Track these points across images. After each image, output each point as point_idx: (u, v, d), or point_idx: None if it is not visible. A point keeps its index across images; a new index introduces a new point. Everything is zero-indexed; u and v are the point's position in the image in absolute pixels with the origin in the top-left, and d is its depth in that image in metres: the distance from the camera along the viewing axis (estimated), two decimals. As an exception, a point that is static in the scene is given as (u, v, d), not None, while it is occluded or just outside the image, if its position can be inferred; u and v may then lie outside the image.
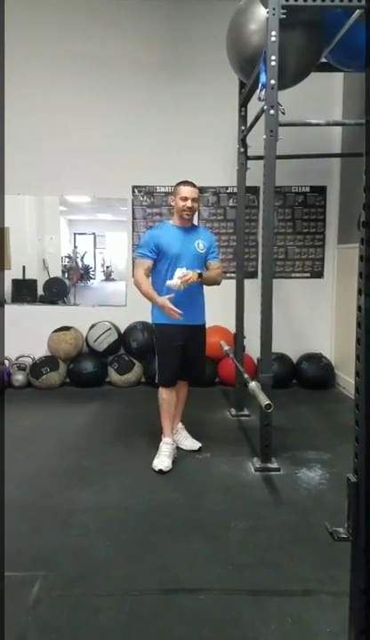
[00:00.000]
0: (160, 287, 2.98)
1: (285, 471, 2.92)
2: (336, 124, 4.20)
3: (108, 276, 6.02)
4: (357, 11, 2.89)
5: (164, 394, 3.07)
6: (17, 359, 4.91)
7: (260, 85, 2.89)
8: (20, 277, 5.15)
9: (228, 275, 4.80)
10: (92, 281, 5.92)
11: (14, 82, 4.71)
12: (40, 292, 5.21)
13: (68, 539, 2.24)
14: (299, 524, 2.36)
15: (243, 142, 3.90)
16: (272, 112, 2.83)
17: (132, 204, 5.00)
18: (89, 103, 4.85)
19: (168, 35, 4.83)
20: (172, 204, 3.09)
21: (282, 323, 4.35)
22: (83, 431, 3.65)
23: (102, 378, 4.87)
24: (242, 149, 3.92)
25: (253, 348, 3.63)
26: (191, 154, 4.83)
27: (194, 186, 3.04)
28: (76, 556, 2.11)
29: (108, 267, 6.05)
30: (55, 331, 4.88)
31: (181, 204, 2.99)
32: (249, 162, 3.92)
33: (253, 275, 4.81)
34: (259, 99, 2.95)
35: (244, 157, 3.93)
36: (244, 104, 3.88)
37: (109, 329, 4.85)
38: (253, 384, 2.83)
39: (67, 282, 5.36)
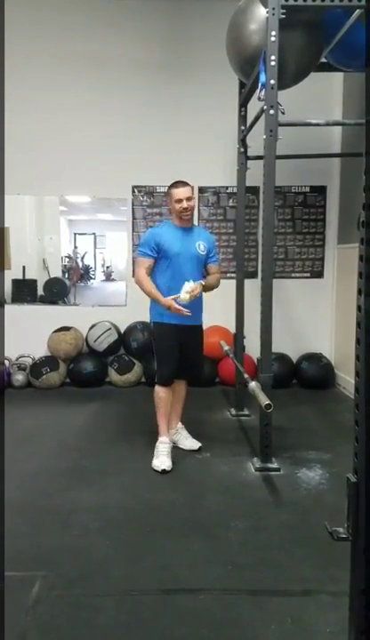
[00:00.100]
0: (160, 287, 2.99)
1: (285, 471, 2.92)
2: (336, 123, 4.20)
3: (109, 276, 6.02)
4: (357, 11, 2.89)
5: (162, 392, 3.08)
6: (17, 359, 4.91)
7: (259, 85, 2.89)
8: (20, 277, 5.15)
9: (228, 275, 4.81)
10: (92, 281, 5.92)
11: (14, 82, 4.72)
12: (40, 292, 5.21)
13: (68, 539, 2.24)
14: (299, 524, 2.36)
15: (243, 142, 3.90)
16: (272, 112, 2.83)
17: (132, 204, 5.00)
18: (89, 103, 4.85)
19: (168, 35, 4.83)
20: (169, 207, 3.10)
21: (282, 323, 4.35)
22: (83, 431, 3.65)
23: (102, 378, 4.87)
24: (242, 149, 3.92)
25: (253, 347, 3.63)
26: (191, 154, 4.83)
27: (186, 184, 3.03)
28: (76, 556, 2.11)
29: (108, 267, 6.05)
30: (55, 331, 4.88)
31: (177, 206, 3.00)
32: (249, 162, 3.92)
33: (253, 275, 4.81)
34: (259, 99, 2.95)
35: (244, 157, 3.93)
36: (244, 104, 3.88)
37: (109, 329, 4.85)
38: (253, 384, 2.83)
39: (67, 282, 5.36)
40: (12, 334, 4.84)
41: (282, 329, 4.27)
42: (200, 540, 2.23)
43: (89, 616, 1.76)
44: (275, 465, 2.95)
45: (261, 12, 2.95)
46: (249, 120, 3.73)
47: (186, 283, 2.90)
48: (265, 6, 2.80)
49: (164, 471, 2.92)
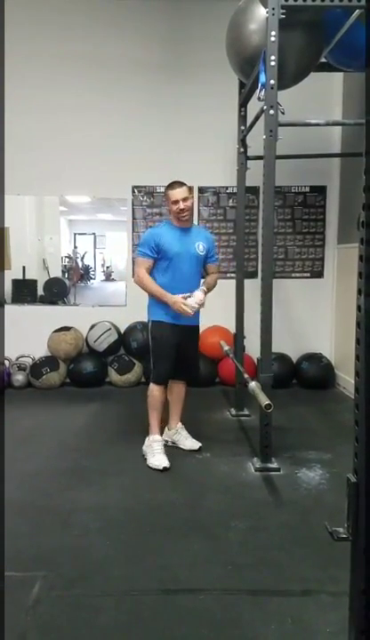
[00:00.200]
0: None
1: (285, 471, 2.92)
2: (336, 123, 4.21)
3: (109, 276, 6.02)
4: (357, 11, 2.89)
5: (156, 390, 3.09)
6: (17, 359, 4.91)
7: (259, 85, 2.89)
8: (21, 277, 5.15)
9: (228, 275, 4.82)
10: (92, 281, 5.93)
11: (14, 82, 4.72)
12: (40, 292, 5.21)
13: (68, 539, 2.24)
14: (299, 524, 2.36)
15: (243, 142, 3.90)
16: (272, 112, 2.83)
17: (132, 204, 5.00)
18: (89, 103, 4.85)
19: (168, 35, 4.83)
20: (167, 209, 3.11)
21: (282, 323, 4.35)
22: (83, 431, 3.65)
23: (102, 378, 4.87)
24: (242, 149, 3.92)
25: (253, 347, 3.63)
26: (191, 154, 4.83)
27: (182, 185, 3.03)
28: (76, 556, 2.11)
29: (108, 267, 6.05)
30: (55, 331, 4.88)
31: (174, 207, 3.00)
32: (249, 162, 3.92)
33: (253, 275, 4.81)
34: (258, 99, 2.94)
35: (244, 157, 3.92)
36: (243, 104, 3.88)
37: (109, 329, 4.85)
38: (253, 384, 2.83)
39: (67, 282, 5.37)
40: (12, 334, 4.84)
41: (282, 329, 4.27)
42: (200, 540, 2.23)
43: (89, 616, 1.76)
44: (275, 465, 2.95)
45: (261, 12, 2.95)
46: (249, 120, 3.73)
47: (196, 293, 2.97)
48: (265, 6, 2.80)
49: (164, 469, 2.92)
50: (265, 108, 2.85)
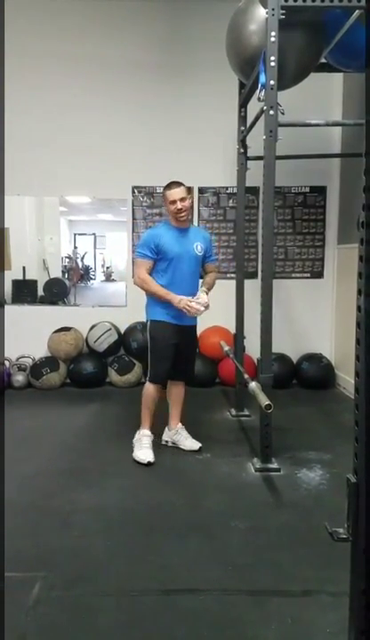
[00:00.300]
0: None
1: (285, 471, 2.92)
2: (336, 124, 4.21)
3: (109, 277, 6.03)
4: (357, 11, 2.89)
5: (152, 389, 3.12)
6: (17, 360, 4.91)
7: (259, 86, 2.89)
8: (21, 278, 5.15)
9: (228, 275, 4.82)
10: (92, 281, 5.93)
11: (14, 82, 4.72)
12: (40, 292, 5.21)
13: (68, 539, 2.24)
14: (299, 525, 2.36)
15: (243, 143, 3.90)
16: (272, 112, 2.83)
17: (133, 205, 5.00)
18: (89, 103, 4.86)
19: (168, 35, 4.83)
20: (166, 209, 3.11)
21: (282, 323, 4.36)
22: (83, 432, 3.65)
23: (102, 378, 4.87)
24: (242, 150, 3.92)
25: (253, 348, 3.63)
26: (191, 154, 4.83)
27: (180, 185, 3.03)
28: (76, 557, 2.11)
29: (108, 267, 6.06)
30: (55, 331, 4.88)
31: (172, 207, 3.00)
32: (249, 162, 3.92)
33: (253, 275, 4.81)
34: (258, 99, 2.94)
35: (243, 158, 3.93)
36: (243, 104, 3.88)
37: (110, 329, 4.85)
38: (253, 384, 2.83)
39: (67, 282, 5.37)
40: (13, 335, 4.84)
41: (282, 329, 4.27)
42: (200, 540, 2.23)
43: (89, 616, 1.76)
44: (275, 465, 2.95)
45: (261, 12, 2.95)
46: (249, 120, 3.73)
47: (200, 295, 2.99)
48: (265, 7, 2.80)
49: (149, 463, 2.97)
50: (265, 108, 2.85)
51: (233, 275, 4.52)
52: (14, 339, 4.85)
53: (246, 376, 3.17)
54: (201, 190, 4.97)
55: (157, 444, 3.28)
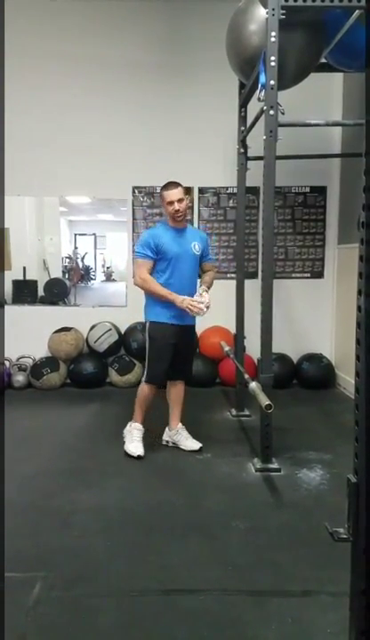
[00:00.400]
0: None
1: (285, 471, 2.92)
2: (336, 124, 4.21)
3: (109, 277, 6.03)
4: (357, 11, 2.89)
5: (147, 389, 3.14)
6: (17, 360, 4.91)
7: (259, 86, 2.89)
8: (21, 278, 5.15)
9: (228, 275, 4.82)
10: (92, 281, 5.93)
11: (14, 82, 4.72)
12: (40, 292, 5.21)
13: (68, 539, 2.24)
14: (299, 525, 2.36)
15: (243, 143, 3.90)
16: (272, 112, 2.83)
17: (133, 205, 5.00)
18: (89, 103, 4.86)
19: (168, 35, 4.83)
20: (163, 209, 3.12)
21: (282, 323, 4.36)
22: (83, 432, 3.65)
23: (103, 378, 4.87)
24: (242, 150, 3.92)
25: (253, 348, 3.63)
26: (191, 154, 4.83)
27: (177, 185, 3.03)
28: (76, 557, 2.11)
29: (108, 267, 6.06)
30: (56, 331, 4.88)
31: (169, 208, 3.02)
32: (249, 162, 3.92)
33: (254, 275, 4.81)
34: (259, 99, 2.94)
35: (244, 158, 3.93)
36: (244, 104, 3.88)
37: (110, 330, 4.85)
38: (253, 384, 2.83)
39: (67, 282, 5.37)
40: (13, 335, 4.84)
41: (282, 329, 4.27)
42: (200, 540, 2.23)
43: (89, 617, 1.76)
44: (275, 465, 2.95)
45: (261, 12, 2.95)
46: (249, 121, 3.73)
47: (202, 294, 3.00)
48: (265, 7, 2.80)
49: (139, 457, 3.02)
50: (265, 108, 2.85)
51: (233, 275, 4.52)
52: (14, 339, 4.85)
53: (247, 376, 3.17)
54: (201, 190, 4.97)
55: (158, 444, 3.29)
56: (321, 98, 4.69)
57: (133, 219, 5.01)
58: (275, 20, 2.73)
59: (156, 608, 1.80)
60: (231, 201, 4.95)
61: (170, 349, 3.07)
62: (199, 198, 4.97)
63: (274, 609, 1.80)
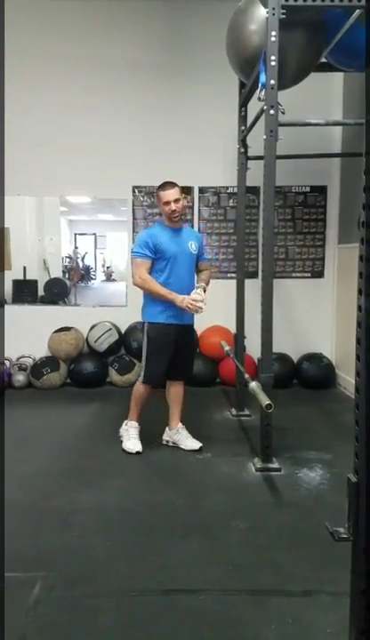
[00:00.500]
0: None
1: (285, 471, 2.92)
2: (336, 123, 4.20)
3: (109, 277, 6.03)
4: (357, 11, 2.89)
5: (142, 390, 3.16)
6: (17, 360, 4.91)
7: (260, 85, 2.89)
8: (21, 278, 5.16)
9: (228, 275, 4.82)
10: (92, 281, 5.94)
11: (14, 82, 4.71)
12: (41, 292, 5.21)
13: (68, 539, 2.24)
14: (299, 525, 2.36)
15: (243, 142, 3.90)
16: (272, 112, 2.83)
17: (133, 205, 4.99)
18: (89, 103, 4.86)
19: (168, 35, 4.83)
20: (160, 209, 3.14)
21: (282, 323, 4.35)
22: (83, 431, 3.64)
23: (103, 378, 4.87)
24: (242, 150, 3.92)
25: (253, 347, 3.63)
26: (191, 154, 4.83)
27: (173, 185, 3.05)
28: (77, 557, 2.11)
29: (108, 267, 6.06)
30: (56, 331, 4.88)
31: (166, 208, 3.03)
32: (249, 162, 3.92)
33: (254, 275, 4.80)
34: (259, 99, 2.94)
35: (244, 157, 3.92)
36: (244, 104, 3.88)
37: (110, 329, 4.85)
38: (253, 384, 2.83)
39: (67, 282, 5.37)
40: (13, 335, 4.84)
41: (282, 329, 4.27)
42: (200, 540, 2.23)
43: (89, 616, 1.76)
44: (276, 465, 2.95)
45: (261, 12, 2.95)
46: (249, 120, 3.73)
47: (199, 292, 3.00)
48: (265, 6, 2.80)
49: (137, 452, 3.06)
50: (265, 108, 2.85)
51: (233, 274, 4.51)
52: (15, 339, 4.85)
53: (247, 376, 3.17)
54: (201, 190, 4.97)
55: (158, 444, 3.28)
56: (321, 97, 4.69)
57: (133, 218, 5.01)
58: (275, 20, 2.73)
59: (157, 608, 1.80)
60: (231, 200, 4.95)
61: (168, 350, 3.07)
62: (199, 198, 4.97)
63: (274, 609, 1.80)
